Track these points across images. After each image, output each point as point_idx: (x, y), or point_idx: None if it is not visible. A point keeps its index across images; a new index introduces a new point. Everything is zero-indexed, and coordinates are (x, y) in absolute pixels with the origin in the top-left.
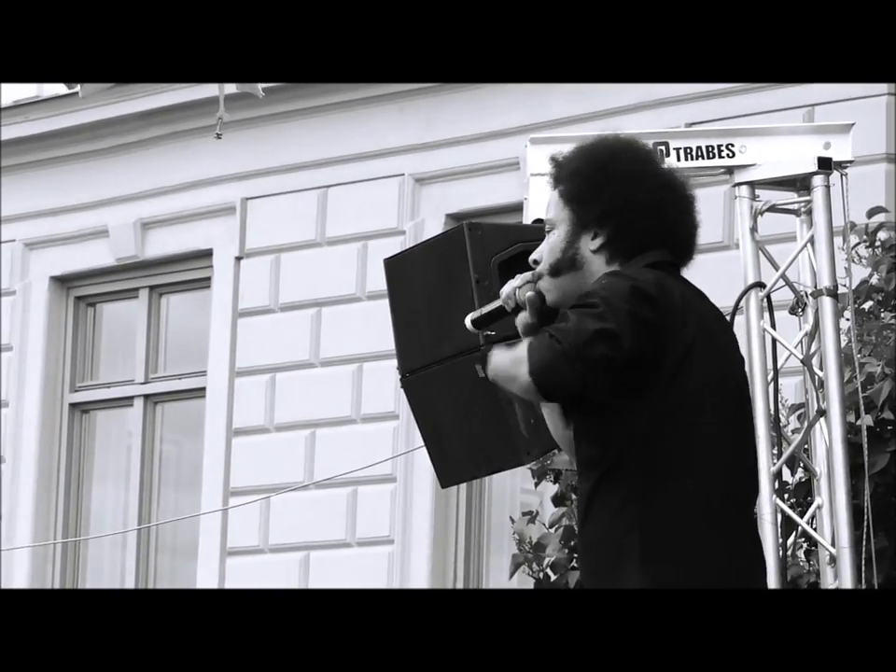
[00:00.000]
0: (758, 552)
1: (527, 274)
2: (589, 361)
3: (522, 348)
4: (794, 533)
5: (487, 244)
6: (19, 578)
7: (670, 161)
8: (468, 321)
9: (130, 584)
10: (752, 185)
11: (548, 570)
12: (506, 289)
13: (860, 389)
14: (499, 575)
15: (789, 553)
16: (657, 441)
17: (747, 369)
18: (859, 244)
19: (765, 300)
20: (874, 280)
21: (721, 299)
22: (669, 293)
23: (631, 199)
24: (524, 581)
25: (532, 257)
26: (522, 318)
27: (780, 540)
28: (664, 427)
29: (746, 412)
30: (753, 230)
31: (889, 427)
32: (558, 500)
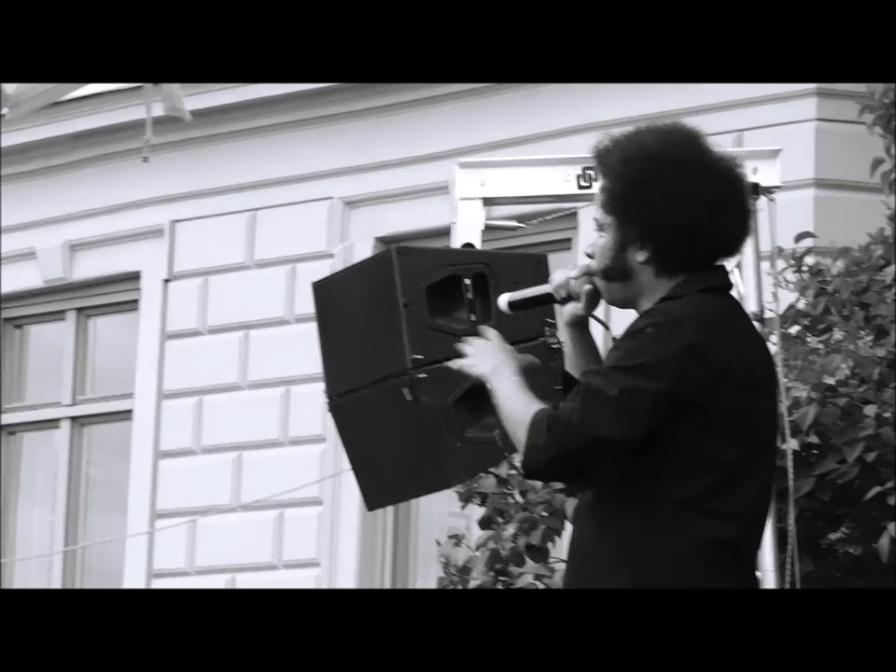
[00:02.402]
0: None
1: (583, 266)
2: (582, 465)
3: (531, 410)
4: None
5: (416, 267)
6: None
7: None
8: (503, 300)
9: None
10: None
11: None
12: (559, 278)
13: (786, 413)
14: None
15: None
16: (663, 478)
17: None
18: (786, 268)
19: None
20: (800, 305)
21: None
22: (717, 347)
23: (668, 222)
24: None
25: (586, 250)
26: (572, 308)
27: None
28: (679, 467)
29: (773, 461)
30: None
31: (814, 452)
32: (485, 523)
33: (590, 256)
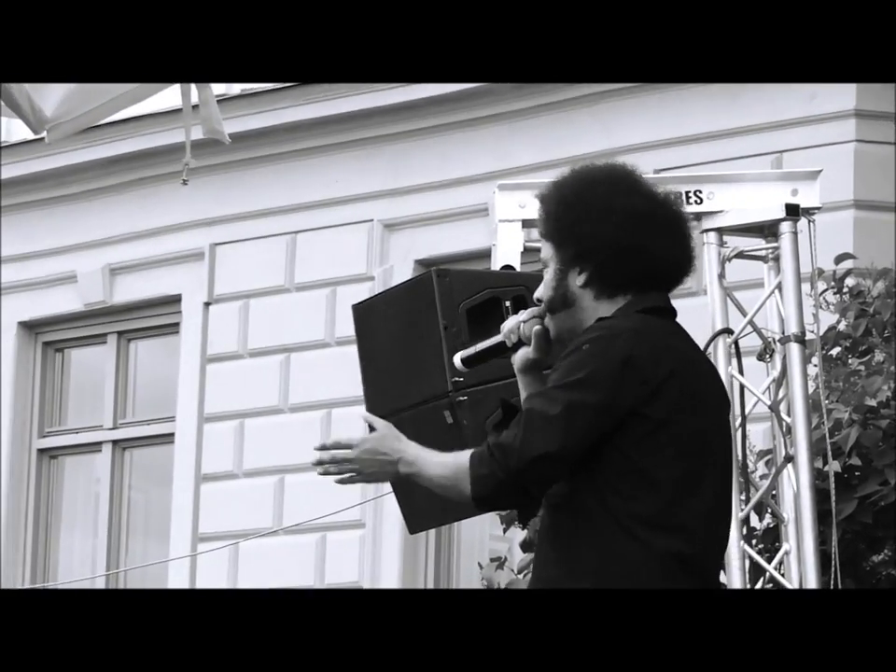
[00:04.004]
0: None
1: (534, 309)
2: (530, 485)
3: (462, 456)
4: (762, 579)
5: (455, 290)
6: None
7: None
8: (457, 360)
9: None
10: (720, 231)
11: None
12: (509, 324)
13: (827, 435)
14: None
15: None
16: (610, 492)
17: None
18: (826, 290)
19: (733, 346)
20: (841, 326)
21: None
22: (653, 360)
23: (603, 238)
24: None
25: (536, 294)
26: (523, 354)
27: (748, 586)
28: (625, 481)
29: (728, 476)
30: (721, 276)
31: (856, 474)
32: (527, 546)
33: (539, 300)
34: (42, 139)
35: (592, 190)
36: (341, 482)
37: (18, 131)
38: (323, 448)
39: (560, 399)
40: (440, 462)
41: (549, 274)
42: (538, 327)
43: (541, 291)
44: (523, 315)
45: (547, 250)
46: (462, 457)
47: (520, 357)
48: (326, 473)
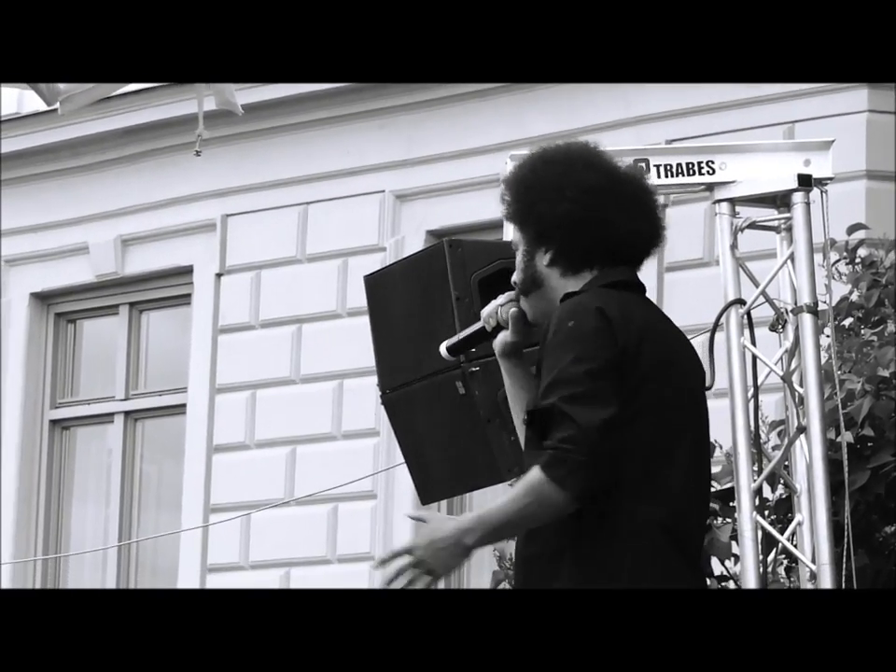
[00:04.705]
0: (695, 578)
1: (510, 293)
2: (608, 458)
3: (526, 481)
4: (775, 550)
5: (468, 261)
6: None
7: (642, 173)
8: (442, 349)
9: None
10: (733, 202)
11: None
12: (487, 309)
13: (840, 406)
14: None
15: (769, 569)
16: None
17: (727, 385)
18: (839, 260)
19: (745, 316)
20: (854, 297)
21: (702, 315)
22: (622, 329)
23: (559, 214)
24: None
25: (513, 278)
26: (502, 338)
27: (760, 557)
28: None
29: (703, 441)
30: (733, 246)
31: (869, 444)
32: None
33: (515, 284)
34: (55, 110)
35: (547, 169)
36: (424, 587)
37: (30, 102)
38: (382, 564)
39: (577, 375)
40: (510, 500)
41: (518, 256)
42: (513, 309)
43: (516, 274)
44: (500, 299)
45: (514, 233)
46: (529, 479)
47: (499, 341)
48: (405, 587)
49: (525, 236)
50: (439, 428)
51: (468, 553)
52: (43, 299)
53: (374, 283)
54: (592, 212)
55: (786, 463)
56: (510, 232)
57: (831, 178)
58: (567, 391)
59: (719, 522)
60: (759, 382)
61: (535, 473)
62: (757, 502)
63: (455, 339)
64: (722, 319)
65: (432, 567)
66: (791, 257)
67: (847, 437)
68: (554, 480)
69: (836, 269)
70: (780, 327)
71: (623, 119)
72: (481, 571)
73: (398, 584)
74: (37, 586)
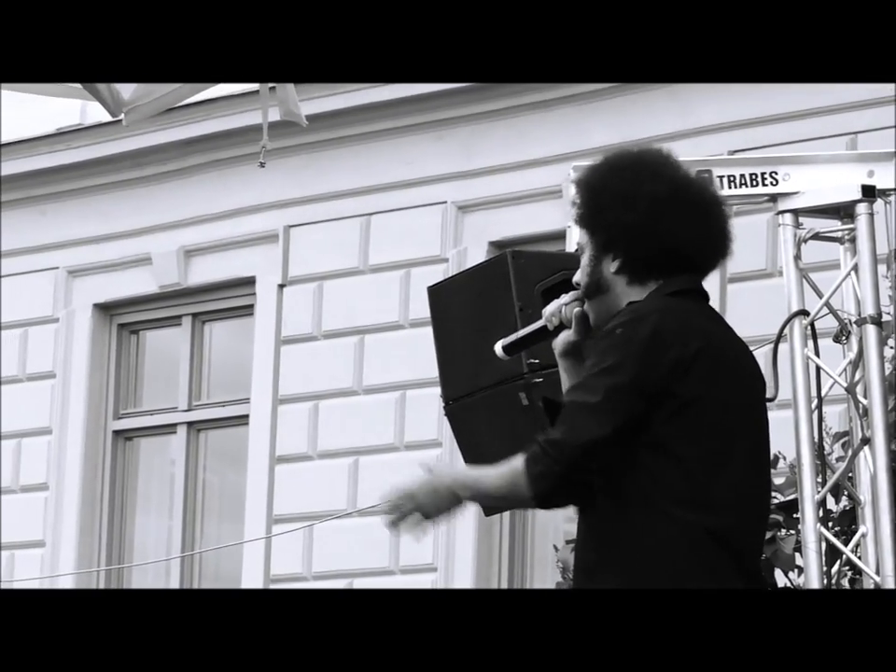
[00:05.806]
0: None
1: (574, 293)
2: (586, 474)
3: (515, 463)
4: (839, 561)
5: (530, 272)
6: None
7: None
8: (498, 348)
9: None
10: (796, 213)
11: None
12: (550, 308)
13: None
14: None
15: (833, 581)
16: (641, 471)
17: (790, 396)
18: None
19: (809, 327)
20: None
21: (765, 326)
22: (681, 336)
23: (625, 224)
24: None
25: (574, 278)
26: (563, 337)
27: (824, 569)
28: (655, 459)
29: (763, 451)
30: (797, 257)
31: None
32: None
33: (577, 284)
34: (119, 121)
35: (616, 177)
36: (409, 527)
37: (93, 113)
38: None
39: (599, 386)
40: (496, 474)
41: (584, 260)
42: (577, 309)
43: (579, 276)
44: (564, 298)
45: (582, 236)
46: (515, 463)
47: (561, 339)
48: (394, 524)
49: (593, 241)
50: (501, 439)
51: (457, 504)
52: (106, 309)
53: (437, 293)
54: (658, 223)
55: (850, 474)
56: (577, 235)
57: (894, 189)
58: (581, 397)
59: (783, 533)
60: (823, 393)
61: (518, 461)
62: (821, 514)
63: (511, 338)
64: (786, 330)
65: (422, 507)
66: (855, 268)
67: None
68: (528, 475)
69: None
70: (844, 338)
71: (684, 130)
72: (543, 579)
73: (388, 522)
74: None
